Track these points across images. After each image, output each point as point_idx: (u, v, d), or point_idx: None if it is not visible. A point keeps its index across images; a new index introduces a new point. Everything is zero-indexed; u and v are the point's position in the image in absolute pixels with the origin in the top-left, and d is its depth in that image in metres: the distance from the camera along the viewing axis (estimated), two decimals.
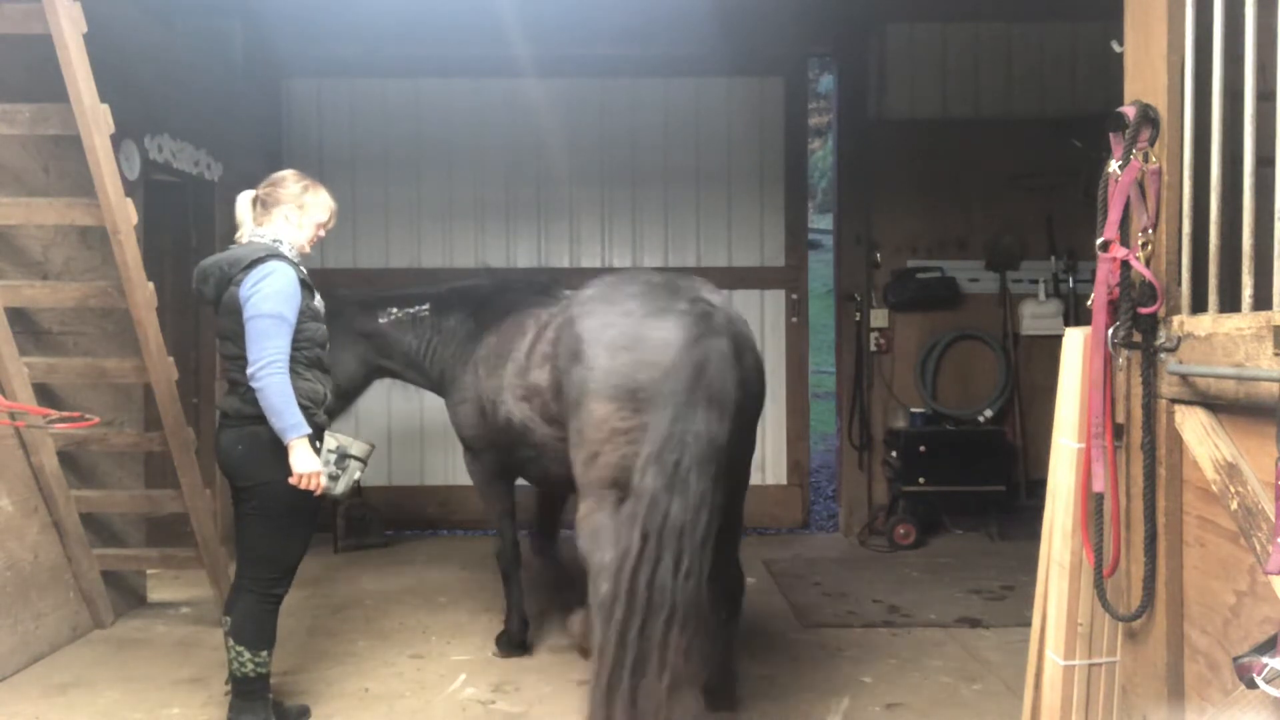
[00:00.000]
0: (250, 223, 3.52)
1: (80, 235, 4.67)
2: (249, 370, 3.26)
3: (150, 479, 5.32)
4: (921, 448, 6.56)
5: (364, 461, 3.57)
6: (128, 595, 5.09)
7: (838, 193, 7.47)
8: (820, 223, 13.96)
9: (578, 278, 6.98)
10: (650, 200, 7.23)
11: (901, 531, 6.54)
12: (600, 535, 3.30)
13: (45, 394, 4.43)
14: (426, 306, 4.64)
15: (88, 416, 3.91)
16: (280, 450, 3.32)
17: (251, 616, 3.43)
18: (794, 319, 7.17)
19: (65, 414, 3.98)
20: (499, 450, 4.27)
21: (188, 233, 6.13)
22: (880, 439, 7.02)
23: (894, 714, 3.82)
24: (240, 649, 3.41)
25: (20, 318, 4.30)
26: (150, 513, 5.12)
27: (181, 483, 4.54)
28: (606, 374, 3.32)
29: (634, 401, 3.28)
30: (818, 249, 11.46)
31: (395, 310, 4.66)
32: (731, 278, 7.04)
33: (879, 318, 7.03)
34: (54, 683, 4.12)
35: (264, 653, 3.45)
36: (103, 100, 3.88)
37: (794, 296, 7.19)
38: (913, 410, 6.85)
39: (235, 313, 3.33)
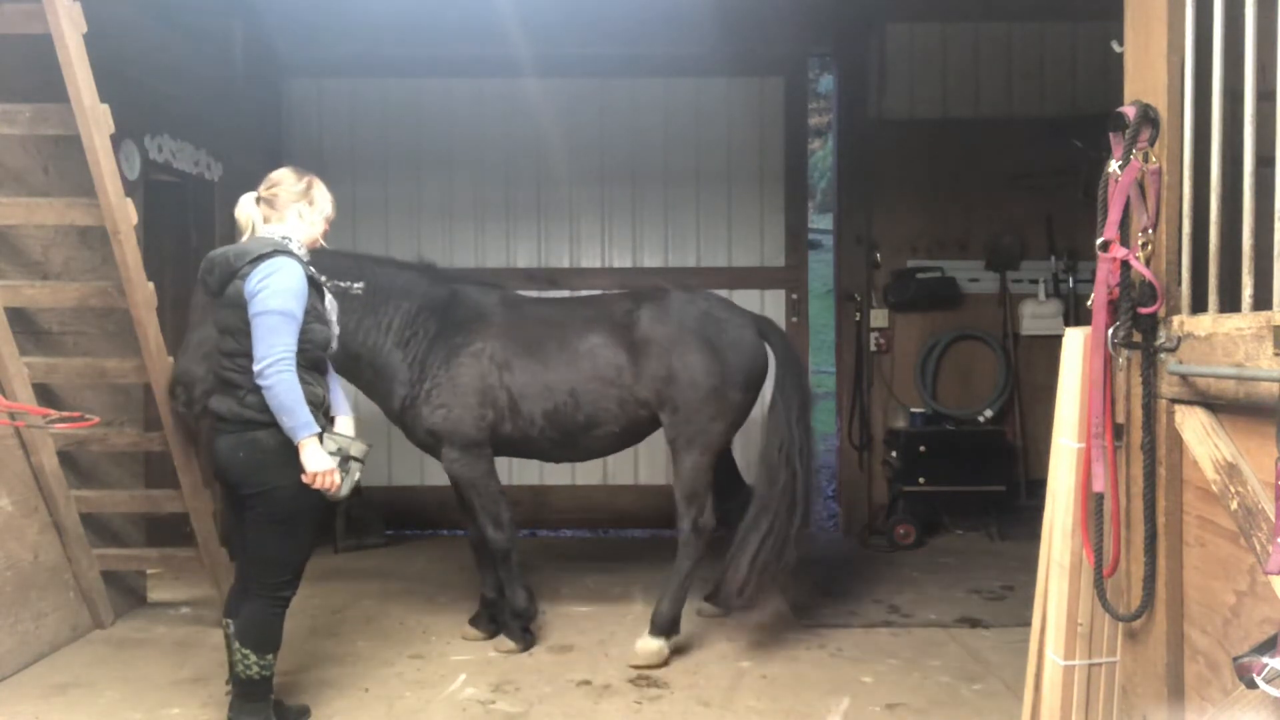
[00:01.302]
0: (259, 222, 3.46)
1: (80, 235, 4.66)
2: (256, 367, 3.19)
3: (150, 479, 5.31)
4: (921, 448, 6.55)
5: (363, 462, 3.56)
6: (128, 595, 5.09)
7: (838, 193, 7.47)
8: (820, 223, 13.95)
9: (575, 277, 7.06)
10: (650, 200, 7.22)
11: (901, 531, 6.54)
12: (701, 479, 4.53)
13: (45, 394, 4.43)
14: (360, 285, 4.47)
15: (88, 416, 3.90)
16: (283, 454, 3.27)
17: (259, 620, 3.40)
18: (794, 319, 7.17)
19: (65, 414, 3.97)
20: (559, 432, 4.55)
21: (188, 233, 6.13)
22: (880, 439, 7.02)
23: (894, 714, 3.82)
24: (246, 652, 3.38)
25: (20, 318, 4.30)
26: (150, 513, 5.12)
27: (181, 483, 4.53)
28: (737, 368, 4.55)
29: (756, 387, 4.67)
30: (818, 249, 11.46)
31: (323, 277, 4.49)
32: (731, 278, 7.04)
33: (879, 318, 7.03)
34: (54, 683, 4.12)
35: (270, 656, 3.43)
36: (103, 100, 3.88)
37: (794, 296, 7.19)
38: (913, 410, 6.84)
39: (239, 307, 3.27)
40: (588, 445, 4.70)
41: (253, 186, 3.56)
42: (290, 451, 3.28)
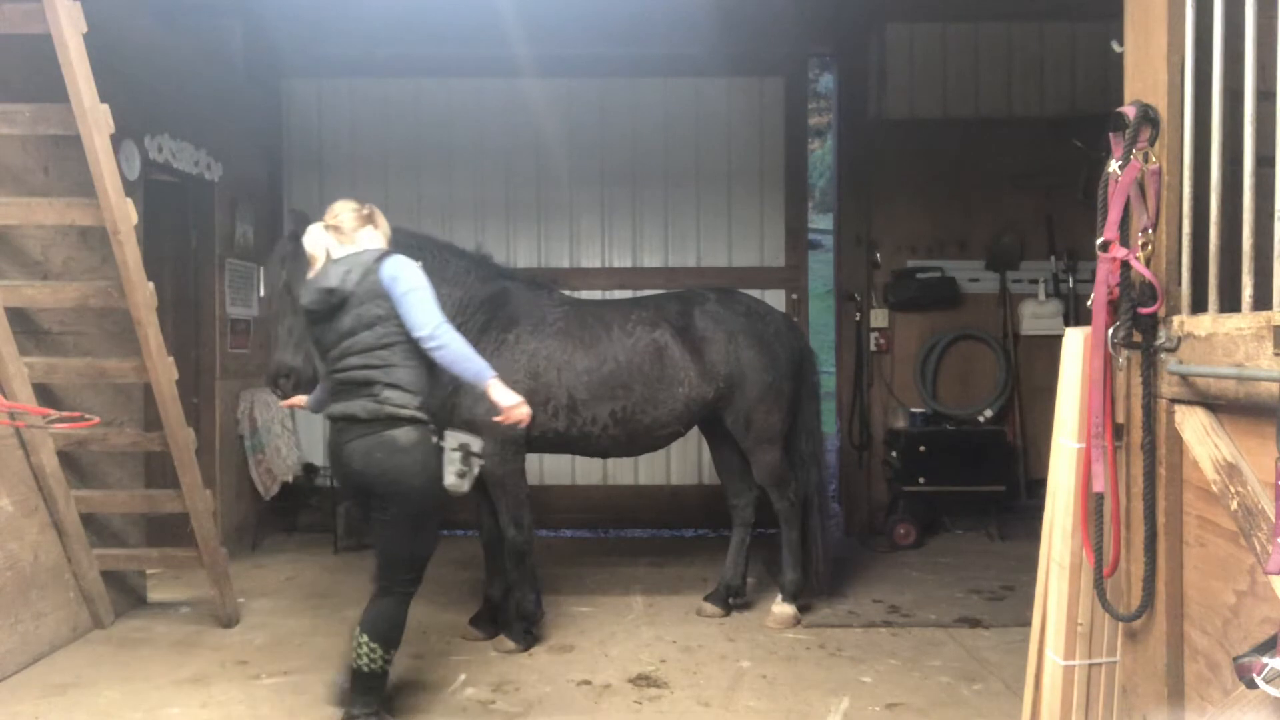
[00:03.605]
0: (333, 248, 3.54)
1: (80, 235, 4.66)
2: (424, 332, 3.35)
3: (150, 479, 5.31)
4: (921, 448, 6.56)
5: (483, 459, 3.62)
6: (128, 595, 5.09)
7: (838, 193, 7.49)
8: (820, 223, 13.94)
9: (575, 277, 7.06)
10: (650, 200, 7.23)
11: (901, 531, 6.54)
12: (782, 465, 4.94)
13: (45, 394, 4.43)
14: (419, 265, 4.47)
15: (88, 416, 3.91)
16: (417, 451, 3.36)
17: (389, 615, 3.47)
18: (794, 319, 7.18)
19: (65, 414, 3.98)
20: (624, 431, 4.67)
21: (188, 233, 6.13)
22: (880, 439, 7.03)
23: (894, 714, 3.82)
24: (374, 646, 3.41)
25: (20, 318, 4.30)
26: (150, 513, 5.12)
27: (181, 483, 4.53)
28: (785, 361, 4.91)
29: (800, 377, 5.02)
30: (818, 249, 11.45)
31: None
32: (731, 278, 7.04)
33: (879, 318, 7.05)
34: (54, 683, 4.12)
35: (392, 650, 3.48)
36: (103, 100, 3.88)
37: (794, 296, 7.19)
38: (913, 410, 6.85)
39: (381, 297, 3.38)
40: (647, 444, 4.87)
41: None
42: (424, 449, 3.39)
